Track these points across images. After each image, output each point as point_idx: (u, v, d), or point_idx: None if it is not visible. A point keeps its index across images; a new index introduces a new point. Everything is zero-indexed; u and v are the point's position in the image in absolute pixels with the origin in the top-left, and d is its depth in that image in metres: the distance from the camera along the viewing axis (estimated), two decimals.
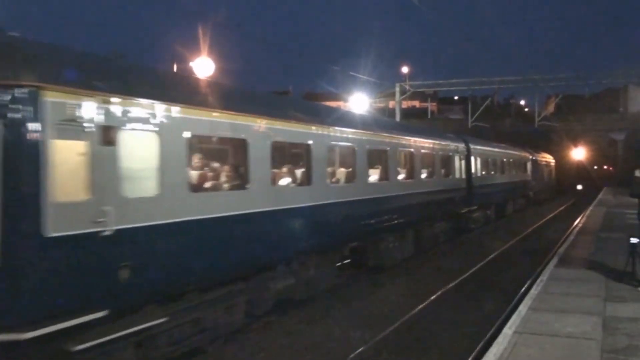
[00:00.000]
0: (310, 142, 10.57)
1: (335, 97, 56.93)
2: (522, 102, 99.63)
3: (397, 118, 42.01)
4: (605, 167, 69.82)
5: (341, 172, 12.41)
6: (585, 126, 55.14)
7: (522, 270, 14.59)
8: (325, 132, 11.06)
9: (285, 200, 9.72)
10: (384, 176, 13.70)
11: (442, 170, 18.47)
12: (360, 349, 8.64)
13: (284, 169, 10.45)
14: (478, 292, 12.54)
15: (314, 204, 10.46)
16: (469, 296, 12.17)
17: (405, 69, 56.83)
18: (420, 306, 11.13)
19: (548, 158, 45.27)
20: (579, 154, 57.79)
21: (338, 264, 12.80)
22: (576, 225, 22.26)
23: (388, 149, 13.77)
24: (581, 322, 8.30)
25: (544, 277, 11.72)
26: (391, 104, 49.85)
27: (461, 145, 21.04)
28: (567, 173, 56.03)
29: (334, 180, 11.87)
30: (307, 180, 10.48)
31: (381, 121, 15.87)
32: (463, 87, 46.09)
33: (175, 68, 24.77)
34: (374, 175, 13.40)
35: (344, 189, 11.93)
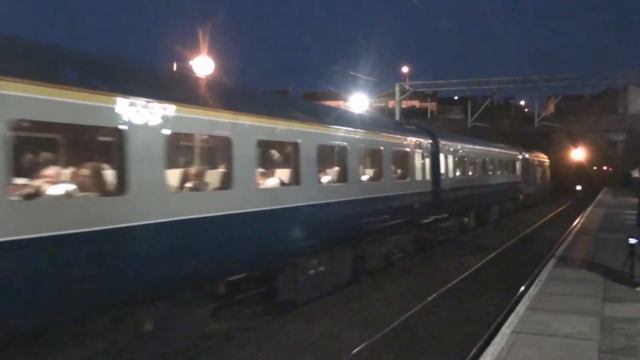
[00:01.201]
0: (121, 126, 6.51)
1: (335, 97, 56.93)
2: (522, 103, 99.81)
3: (397, 118, 42.03)
4: (604, 167, 69.83)
5: (212, 174, 8.63)
6: (584, 127, 55.19)
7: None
8: (149, 110, 6.84)
9: (68, 222, 5.86)
10: (293, 179, 10.05)
11: (397, 171, 14.80)
12: (359, 348, 8.66)
13: (71, 170, 6.73)
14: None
15: (131, 224, 6.59)
16: None
17: (405, 69, 56.98)
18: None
19: (542, 157, 43.04)
20: (578, 154, 57.84)
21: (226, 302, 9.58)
22: (575, 226, 22.27)
23: (300, 142, 10.06)
24: (579, 322, 8.31)
25: (542, 277, 11.74)
26: (391, 103, 49.87)
27: (425, 141, 17.00)
28: (566, 174, 56.08)
29: (189, 186, 8.00)
30: (119, 189, 6.54)
31: (290, 103, 11.70)
32: (463, 87, 46.24)
33: (175, 67, 24.77)
34: (273, 179, 9.85)
35: (210, 199, 8.06)
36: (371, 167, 13.66)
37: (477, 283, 13.51)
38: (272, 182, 9.80)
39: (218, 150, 9.18)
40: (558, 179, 51.47)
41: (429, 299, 11.71)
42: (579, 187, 52.86)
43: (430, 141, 17.47)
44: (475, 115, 46.99)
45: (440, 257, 17.06)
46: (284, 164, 10.33)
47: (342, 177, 11.83)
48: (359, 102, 37.76)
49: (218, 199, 8.20)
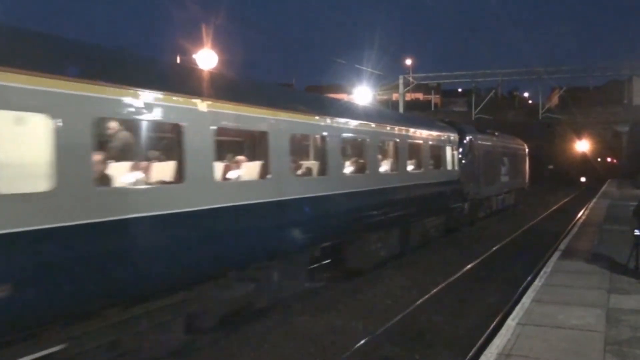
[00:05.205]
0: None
1: (338, 90, 56.80)
2: (526, 95, 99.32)
3: (401, 110, 41.93)
4: (609, 159, 69.65)
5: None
6: (589, 118, 55.00)
7: None
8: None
9: None
10: None
11: None
12: (363, 341, 8.67)
13: None
14: None
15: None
16: None
17: (408, 61, 56.79)
18: None
19: (513, 142, 30.49)
20: (582, 146, 57.68)
21: None
22: (579, 218, 22.20)
23: None
24: (585, 314, 8.30)
25: (547, 269, 11.72)
26: (395, 96, 49.77)
27: None
28: (571, 165, 56.00)
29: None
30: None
31: None
32: (466, 79, 46.06)
33: (178, 60, 24.75)
34: None
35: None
36: None
37: None
38: None
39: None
40: (562, 171, 51.39)
41: None
42: (583, 179, 52.78)
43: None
44: (479, 108, 46.86)
45: None
46: None
47: None
48: (363, 94, 37.67)
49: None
